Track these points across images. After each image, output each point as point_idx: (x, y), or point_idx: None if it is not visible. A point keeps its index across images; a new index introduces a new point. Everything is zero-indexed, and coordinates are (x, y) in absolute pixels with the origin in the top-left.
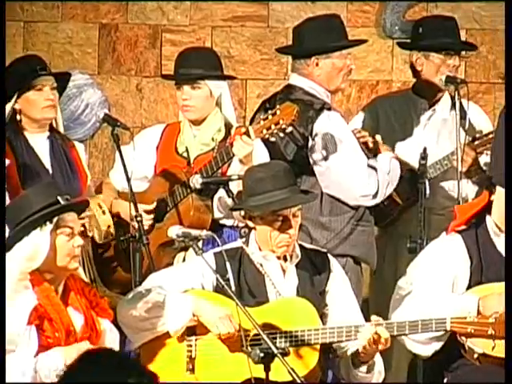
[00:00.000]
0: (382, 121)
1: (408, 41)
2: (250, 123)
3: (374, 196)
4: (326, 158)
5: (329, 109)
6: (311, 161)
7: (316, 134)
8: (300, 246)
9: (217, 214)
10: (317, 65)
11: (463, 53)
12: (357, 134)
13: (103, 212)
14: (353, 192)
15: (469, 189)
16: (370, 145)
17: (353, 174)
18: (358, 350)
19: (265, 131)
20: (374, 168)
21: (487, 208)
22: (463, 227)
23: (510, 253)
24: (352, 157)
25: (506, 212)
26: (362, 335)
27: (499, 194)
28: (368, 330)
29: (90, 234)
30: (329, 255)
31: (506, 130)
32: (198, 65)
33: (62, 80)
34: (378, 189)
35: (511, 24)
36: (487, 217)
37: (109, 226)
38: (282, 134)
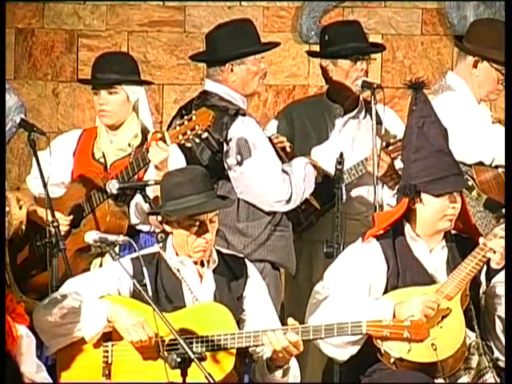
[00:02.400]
0: (297, 126)
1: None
2: (167, 129)
3: (288, 201)
4: (240, 164)
5: (243, 114)
6: (226, 166)
7: (230, 140)
8: (217, 251)
9: (134, 220)
10: (231, 70)
11: (373, 55)
12: (274, 139)
13: (20, 207)
14: (266, 197)
15: (384, 194)
16: (288, 149)
17: (266, 180)
18: (272, 354)
19: (181, 137)
20: (289, 173)
21: (405, 214)
22: (380, 232)
23: (510, 253)
24: (266, 162)
25: (505, 212)
26: (270, 340)
27: (426, 200)
28: (275, 336)
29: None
30: (246, 260)
31: (506, 129)
32: (114, 70)
33: None
34: (292, 194)
35: (511, 24)
36: (405, 223)
37: (21, 222)
38: (197, 140)
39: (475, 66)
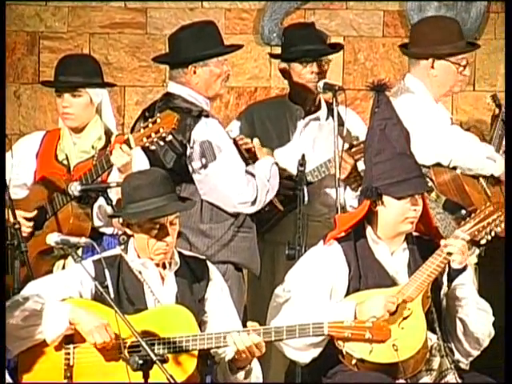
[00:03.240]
0: (258, 127)
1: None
2: (131, 131)
3: (253, 203)
4: (203, 166)
5: (206, 116)
6: (190, 168)
7: (194, 142)
8: (179, 253)
9: (97, 223)
10: (194, 72)
11: (329, 56)
12: (239, 140)
13: None
14: (231, 199)
15: (347, 195)
16: (254, 150)
17: (230, 181)
18: (234, 355)
19: (145, 139)
20: (253, 174)
21: (366, 217)
22: (342, 234)
23: (510, 254)
24: (230, 164)
25: (505, 212)
26: (234, 341)
27: (387, 202)
28: (239, 336)
29: None
30: (208, 262)
31: (506, 130)
32: (77, 72)
33: None
34: (257, 195)
35: (511, 24)
36: (366, 225)
37: None
38: (162, 143)
39: (432, 66)
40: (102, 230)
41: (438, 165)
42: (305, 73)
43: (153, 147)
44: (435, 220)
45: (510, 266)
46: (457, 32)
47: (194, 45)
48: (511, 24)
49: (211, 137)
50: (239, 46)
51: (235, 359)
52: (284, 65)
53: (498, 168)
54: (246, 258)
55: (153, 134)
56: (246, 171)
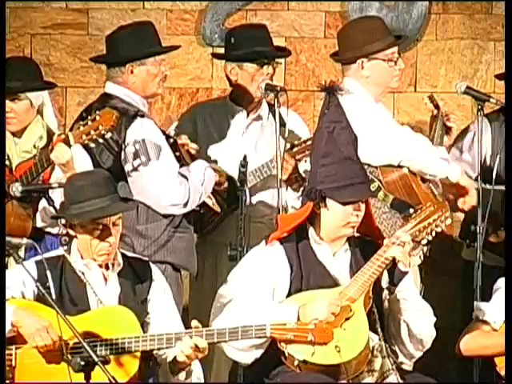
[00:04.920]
0: (200, 128)
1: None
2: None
3: (185, 205)
4: (137, 166)
5: (142, 116)
6: (124, 168)
7: (129, 142)
8: (122, 254)
9: (41, 223)
10: (131, 72)
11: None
12: (179, 141)
13: None
14: (162, 200)
15: (289, 196)
16: (193, 152)
17: (162, 183)
18: (175, 357)
19: (84, 137)
20: (186, 177)
21: (309, 218)
22: (284, 235)
23: (510, 255)
24: (162, 165)
25: (506, 212)
26: (180, 345)
27: (330, 206)
28: (185, 341)
29: None
30: (151, 264)
31: (506, 131)
32: (17, 77)
33: None
34: (189, 198)
35: None
36: (309, 226)
37: None
38: (101, 140)
39: (362, 67)
40: (47, 229)
41: (388, 165)
42: (259, 75)
43: (92, 145)
44: (381, 219)
45: (511, 266)
46: (380, 29)
47: (131, 44)
48: (511, 24)
49: (145, 137)
50: (176, 47)
51: (176, 360)
52: (233, 65)
53: (452, 170)
54: (183, 259)
55: (92, 132)
56: (179, 173)
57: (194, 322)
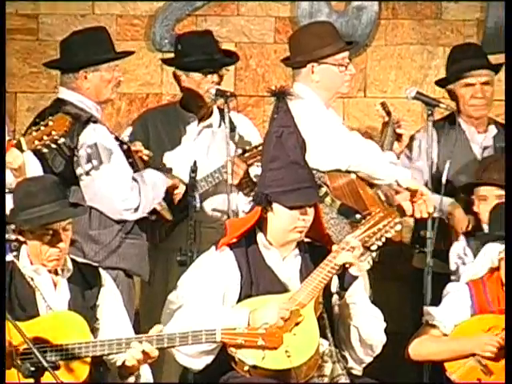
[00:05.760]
0: (152, 134)
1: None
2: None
3: (136, 209)
4: (89, 171)
5: (95, 121)
6: (77, 173)
7: (81, 147)
8: (72, 260)
9: None
10: (85, 78)
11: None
12: (132, 147)
13: None
14: (115, 205)
15: (239, 201)
16: (146, 158)
17: (115, 188)
18: (124, 361)
19: (37, 142)
20: (139, 182)
21: (258, 223)
22: (234, 241)
23: (511, 255)
24: (115, 170)
25: (506, 213)
26: (130, 350)
27: (276, 210)
28: (135, 346)
29: None
30: (100, 269)
31: (506, 131)
32: None
33: None
34: (140, 203)
35: (511, 24)
36: (258, 231)
37: None
38: (54, 145)
39: (312, 72)
40: None
41: (336, 170)
42: (205, 83)
43: (45, 150)
44: (329, 225)
45: (511, 267)
46: (331, 34)
47: (85, 50)
48: (511, 24)
49: (98, 142)
50: (130, 53)
51: (125, 365)
52: (180, 73)
53: (401, 175)
54: (135, 265)
55: (45, 137)
56: (133, 178)
57: (157, 327)
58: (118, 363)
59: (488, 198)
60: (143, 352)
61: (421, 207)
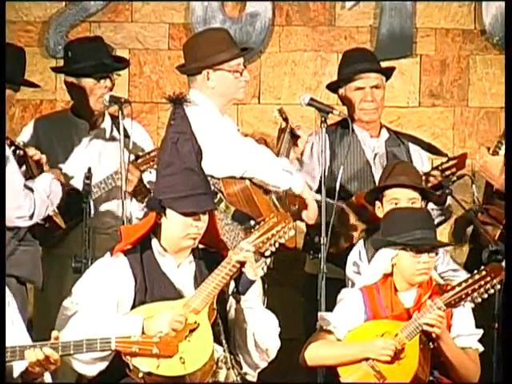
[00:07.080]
0: (44, 142)
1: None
2: None
3: (31, 217)
4: None
5: None
6: None
7: None
8: None
9: None
10: None
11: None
12: (29, 152)
13: None
14: (8, 212)
15: (133, 207)
16: (43, 162)
17: (8, 195)
18: (27, 368)
19: None
20: (32, 189)
21: (152, 229)
22: (128, 247)
23: (511, 259)
24: (7, 177)
25: (506, 214)
26: (29, 356)
27: (170, 216)
28: (34, 352)
29: None
30: None
31: (506, 131)
32: None
33: None
34: (35, 210)
35: (511, 24)
36: (152, 237)
37: None
38: None
39: (208, 78)
40: None
41: (231, 177)
42: (97, 88)
43: None
44: (223, 231)
45: (511, 267)
46: (225, 41)
47: None
48: (511, 24)
49: None
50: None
51: (28, 371)
52: (72, 78)
53: (295, 181)
54: (28, 272)
55: None
56: (25, 185)
57: (54, 333)
58: (16, 371)
59: (400, 200)
60: (44, 359)
61: (310, 214)
